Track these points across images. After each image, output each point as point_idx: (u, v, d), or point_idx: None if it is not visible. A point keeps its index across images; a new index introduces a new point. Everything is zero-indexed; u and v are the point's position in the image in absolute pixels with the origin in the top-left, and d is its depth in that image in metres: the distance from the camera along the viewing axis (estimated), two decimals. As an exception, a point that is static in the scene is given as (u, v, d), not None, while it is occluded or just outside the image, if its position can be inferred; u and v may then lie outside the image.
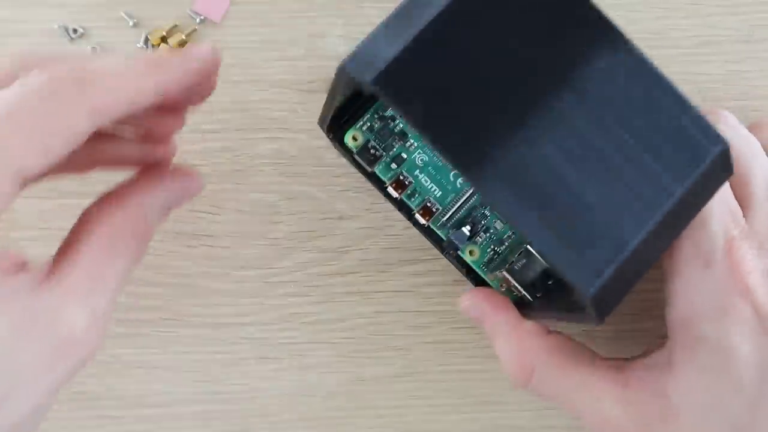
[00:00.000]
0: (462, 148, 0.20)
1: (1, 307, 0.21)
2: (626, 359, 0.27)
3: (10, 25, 0.33)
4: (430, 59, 0.20)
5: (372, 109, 0.29)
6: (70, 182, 0.32)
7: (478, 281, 0.30)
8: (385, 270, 0.32)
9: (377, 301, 0.32)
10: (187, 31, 0.33)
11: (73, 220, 0.32)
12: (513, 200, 0.20)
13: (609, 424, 0.26)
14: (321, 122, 0.29)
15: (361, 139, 0.29)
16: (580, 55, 0.21)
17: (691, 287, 0.25)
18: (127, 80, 0.22)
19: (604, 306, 0.21)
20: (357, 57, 0.20)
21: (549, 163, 0.20)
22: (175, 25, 0.33)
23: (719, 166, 0.22)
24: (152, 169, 0.26)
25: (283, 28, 0.33)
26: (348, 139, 0.29)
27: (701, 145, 0.21)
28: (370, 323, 0.32)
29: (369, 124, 0.29)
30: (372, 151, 0.29)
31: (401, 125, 0.29)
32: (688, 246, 0.25)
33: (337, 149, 0.32)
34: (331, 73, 0.24)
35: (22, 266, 0.22)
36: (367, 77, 0.19)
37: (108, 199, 0.24)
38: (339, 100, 0.26)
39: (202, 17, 0.33)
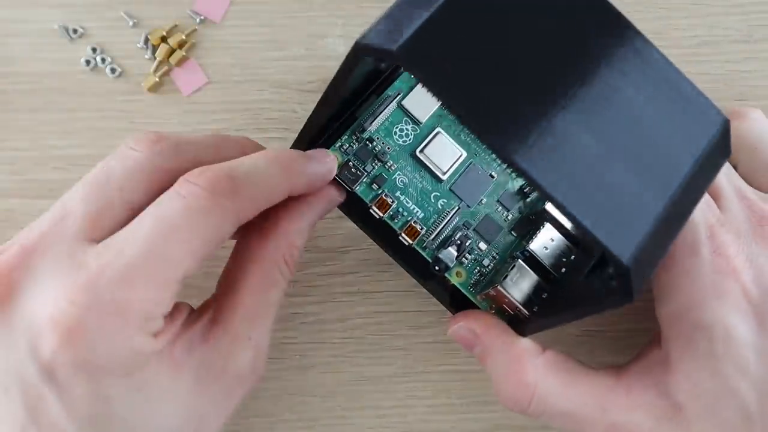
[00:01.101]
0: (487, 117, 0.20)
1: (184, 361, 0.24)
2: (621, 366, 0.27)
3: (10, 25, 0.33)
4: (451, 33, 0.20)
5: (349, 131, 0.29)
6: (69, 182, 0.32)
7: (460, 308, 0.29)
8: (385, 270, 0.32)
9: (377, 301, 0.32)
10: (187, 31, 0.33)
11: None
12: (542, 169, 0.20)
13: None
14: (296, 147, 0.29)
15: (340, 160, 0.29)
16: (592, 36, 0.21)
17: (682, 277, 0.25)
18: (269, 189, 0.25)
19: (638, 276, 0.20)
20: (375, 34, 0.20)
21: (571, 135, 0.20)
22: (175, 25, 0.33)
23: (721, 141, 0.22)
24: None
25: (283, 28, 0.33)
26: None
27: (706, 121, 0.22)
28: (370, 323, 0.32)
29: (347, 145, 0.29)
30: (353, 170, 0.28)
31: (379, 146, 0.29)
32: None
33: None
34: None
35: (191, 315, 0.25)
36: (391, 47, 0.19)
37: (257, 234, 0.26)
38: (332, 106, 0.26)
39: (202, 17, 0.33)
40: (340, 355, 0.32)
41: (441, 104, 0.28)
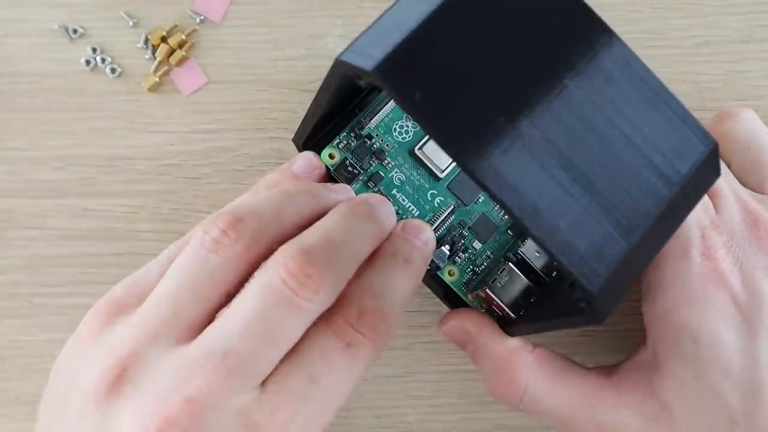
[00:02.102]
0: (462, 139, 0.20)
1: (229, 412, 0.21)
2: (611, 365, 0.27)
3: (10, 25, 0.33)
4: (429, 51, 0.20)
5: (348, 128, 0.29)
6: (69, 182, 0.32)
7: (455, 304, 0.29)
8: (385, 270, 0.32)
9: (377, 301, 0.32)
10: (187, 31, 0.33)
11: (73, 220, 0.32)
12: (515, 193, 0.20)
13: None
14: (297, 139, 0.29)
15: (338, 157, 0.29)
16: (574, 51, 0.21)
17: (670, 278, 0.25)
18: (357, 253, 0.23)
19: (606, 302, 0.21)
20: (355, 50, 0.20)
21: (548, 156, 0.20)
22: (175, 25, 0.33)
23: (710, 164, 0.22)
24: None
25: (283, 28, 0.33)
26: (324, 157, 0.29)
27: (692, 143, 0.22)
28: (370, 323, 0.32)
29: (345, 142, 0.29)
30: (349, 168, 0.29)
31: (378, 144, 0.29)
32: None
33: None
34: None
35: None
36: (367, 66, 0.19)
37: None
38: (322, 110, 0.26)
39: (202, 17, 0.33)
40: (340, 355, 0.32)
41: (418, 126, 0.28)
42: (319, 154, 0.29)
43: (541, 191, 0.20)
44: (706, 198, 0.26)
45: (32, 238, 0.32)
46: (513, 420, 0.32)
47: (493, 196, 0.19)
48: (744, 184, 0.28)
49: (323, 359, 0.22)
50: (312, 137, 0.28)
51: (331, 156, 0.29)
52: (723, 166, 0.28)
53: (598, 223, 0.20)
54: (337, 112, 0.29)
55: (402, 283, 0.24)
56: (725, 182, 0.27)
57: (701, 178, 0.22)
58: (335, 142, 0.29)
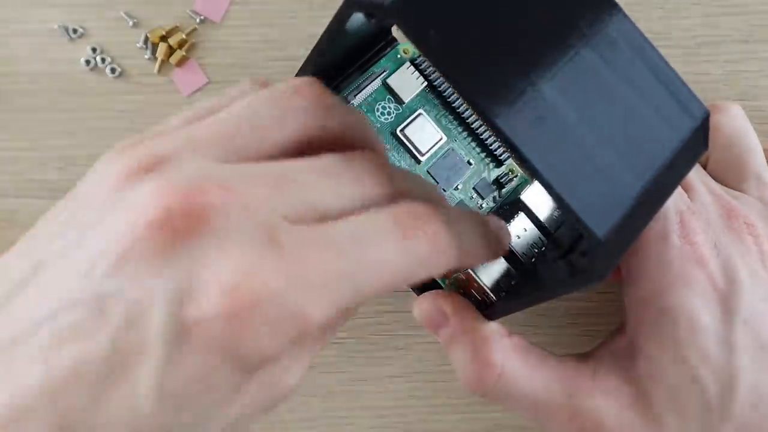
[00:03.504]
0: (476, 81, 0.20)
1: None
2: (587, 352, 0.27)
3: (10, 25, 0.33)
4: None
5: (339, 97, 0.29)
6: (69, 182, 0.32)
7: (425, 290, 0.28)
8: (385, 270, 0.32)
9: (377, 301, 0.32)
10: (187, 31, 0.33)
11: (73, 220, 0.32)
12: (527, 137, 0.20)
13: (581, 420, 0.25)
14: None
15: None
16: (587, 15, 0.22)
17: (651, 261, 0.25)
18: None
19: (610, 255, 0.21)
20: None
21: (558, 107, 0.20)
22: (175, 26, 0.33)
23: (701, 133, 0.23)
24: None
25: (283, 28, 0.33)
26: None
27: (688, 111, 0.22)
28: (370, 323, 0.32)
29: None
30: None
31: (370, 118, 0.29)
32: None
33: None
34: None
35: None
36: (385, 2, 0.19)
37: None
38: (317, 65, 0.25)
39: (202, 17, 0.33)
40: (340, 355, 0.32)
41: (429, 64, 0.28)
42: None
43: (550, 138, 0.20)
44: (681, 189, 0.26)
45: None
46: (513, 420, 0.32)
47: (504, 139, 0.19)
48: (722, 180, 0.28)
49: (375, 231, 0.19)
50: None
51: None
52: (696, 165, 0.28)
53: (606, 175, 0.21)
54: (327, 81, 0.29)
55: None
56: (697, 178, 0.27)
57: (695, 144, 0.22)
58: None
